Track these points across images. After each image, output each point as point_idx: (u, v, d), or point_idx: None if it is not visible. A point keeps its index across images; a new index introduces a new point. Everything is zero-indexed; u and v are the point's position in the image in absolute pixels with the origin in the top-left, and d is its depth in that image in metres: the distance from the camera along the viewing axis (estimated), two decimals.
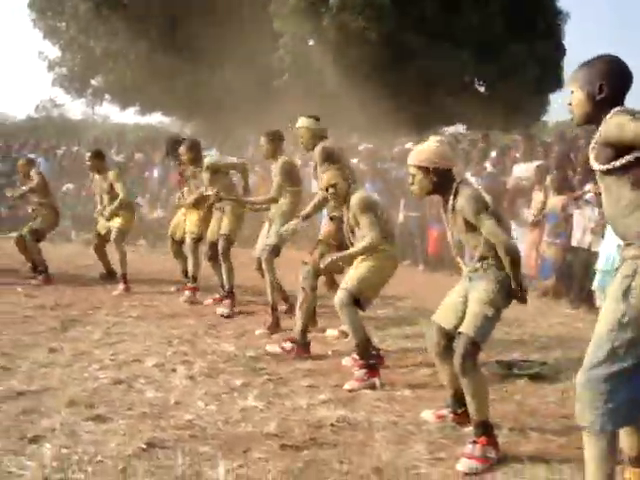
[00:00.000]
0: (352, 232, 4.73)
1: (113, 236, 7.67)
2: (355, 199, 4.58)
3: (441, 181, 3.56)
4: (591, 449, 2.58)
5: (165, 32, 18.08)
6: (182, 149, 6.95)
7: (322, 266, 4.54)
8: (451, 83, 17.36)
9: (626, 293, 2.47)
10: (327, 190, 4.65)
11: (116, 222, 7.69)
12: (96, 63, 20.38)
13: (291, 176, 6.08)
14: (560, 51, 19.49)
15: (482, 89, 19.63)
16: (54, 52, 22.12)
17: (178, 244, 7.55)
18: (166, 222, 12.35)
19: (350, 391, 4.35)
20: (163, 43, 17.69)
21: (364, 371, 4.49)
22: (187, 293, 7.23)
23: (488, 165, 10.02)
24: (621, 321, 2.47)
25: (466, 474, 3.19)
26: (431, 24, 15.99)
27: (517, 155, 10.15)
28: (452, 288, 3.66)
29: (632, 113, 2.42)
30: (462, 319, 3.42)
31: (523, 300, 3.45)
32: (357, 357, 4.64)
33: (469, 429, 3.52)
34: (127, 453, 3.30)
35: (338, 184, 4.60)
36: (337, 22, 15.38)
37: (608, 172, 2.51)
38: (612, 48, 2.95)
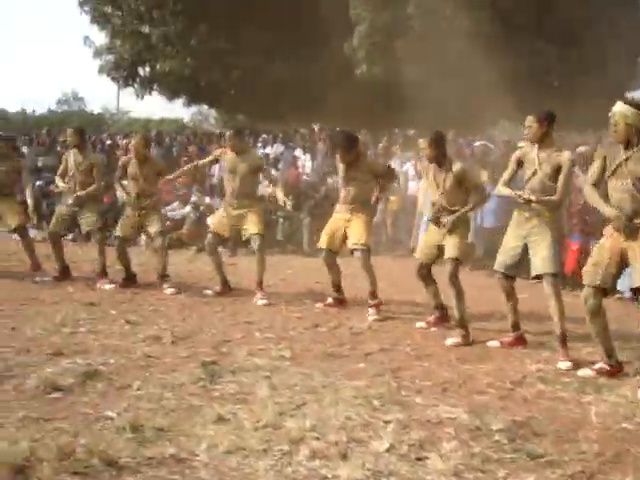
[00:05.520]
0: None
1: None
2: None
3: None
4: None
5: (226, 14, 16.85)
6: (423, 142, 5.53)
7: None
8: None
9: None
10: None
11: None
12: (149, 50, 19.31)
13: None
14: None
15: (556, 83, 18.25)
16: (101, 38, 21.09)
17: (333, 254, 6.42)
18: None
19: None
20: (223, 26, 16.51)
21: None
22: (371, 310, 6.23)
23: None
24: None
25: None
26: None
27: None
28: None
29: None
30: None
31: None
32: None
33: None
34: None
35: None
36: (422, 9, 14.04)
37: None
38: None
